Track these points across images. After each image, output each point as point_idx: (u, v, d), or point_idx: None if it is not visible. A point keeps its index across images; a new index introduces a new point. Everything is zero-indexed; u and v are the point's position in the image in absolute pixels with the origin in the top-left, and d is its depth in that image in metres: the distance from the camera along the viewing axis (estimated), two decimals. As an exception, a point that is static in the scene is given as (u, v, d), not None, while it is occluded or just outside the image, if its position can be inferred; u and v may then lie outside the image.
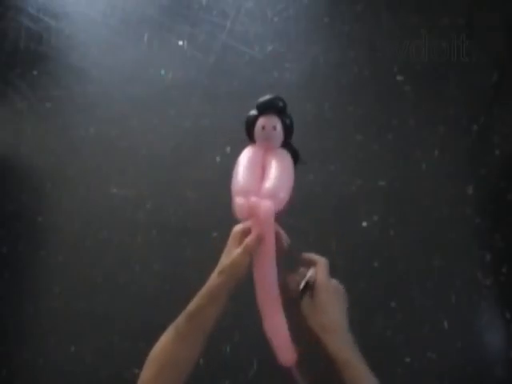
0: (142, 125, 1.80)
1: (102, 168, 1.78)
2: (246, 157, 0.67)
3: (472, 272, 1.54)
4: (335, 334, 0.71)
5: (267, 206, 0.62)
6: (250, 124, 0.67)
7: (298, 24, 1.86)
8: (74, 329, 1.61)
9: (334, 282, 0.77)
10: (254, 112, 0.68)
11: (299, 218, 1.61)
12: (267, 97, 0.67)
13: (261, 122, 0.66)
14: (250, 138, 0.69)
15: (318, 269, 0.76)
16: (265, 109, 0.66)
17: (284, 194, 0.65)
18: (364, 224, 1.61)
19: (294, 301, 0.75)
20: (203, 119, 1.77)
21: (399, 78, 1.74)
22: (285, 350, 0.70)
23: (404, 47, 1.73)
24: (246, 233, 0.72)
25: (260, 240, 0.69)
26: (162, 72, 1.85)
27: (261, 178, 0.66)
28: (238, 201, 0.63)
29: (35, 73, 1.91)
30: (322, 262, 0.77)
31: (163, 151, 1.76)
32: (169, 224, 1.68)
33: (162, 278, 1.62)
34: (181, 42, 1.88)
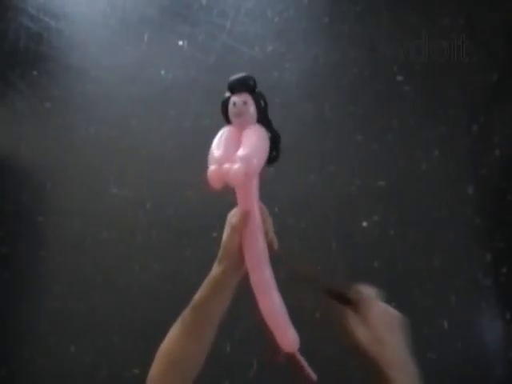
0: (142, 125, 1.80)
1: (101, 168, 1.78)
2: (220, 133, 0.68)
3: (472, 272, 1.54)
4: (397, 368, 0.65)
5: (237, 169, 0.60)
6: (224, 105, 0.69)
7: (298, 24, 1.86)
8: (74, 329, 1.61)
9: (392, 311, 0.73)
10: (227, 94, 0.69)
11: (299, 218, 1.61)
12: (237, 76, 0.68)
13: (232, 99, 0.68)
14: (227, 120, 0.70)
15: (369, 301, 0.72)
16: (235, 87, 0.68)
17: (257, 161, 0.64)
18: (364, 224, 1.61)
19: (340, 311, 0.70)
20: (203, 119, 1.77)
21: (399, 78, 1.74)
22: (285, 333, 0.67)
23: (404, 47, 1.73)
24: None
25: (245, 217, 0.68)
26: (162, 72, 1.85)
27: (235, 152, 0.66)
28: (210, 168, 0.62)
29: (35, 73, 1.91)
30: (371, 293, 0.74)
31: (163, 151, 1.76)
32: (169, 224, 1.68)
33: (162, 278, 1.62)
34: (181, 42, 1.88)
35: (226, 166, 0.61)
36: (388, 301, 1.64)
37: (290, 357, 0.66)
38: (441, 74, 1.73)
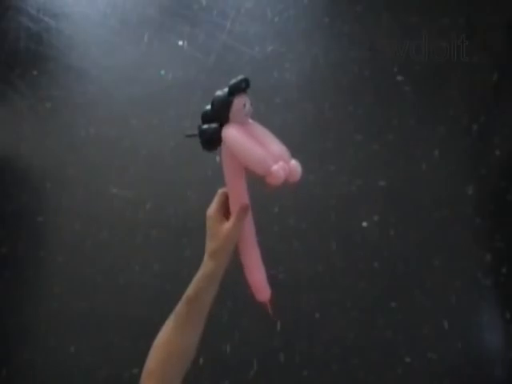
0: (142, 125, 1.80)
1: (101, 168, 1.78)
2: (239, 132, 0.71)
3: (472, 272, 1.54)
4: None
5: (296, 165, 0.66)
6: (226, 106, 0.72)
7: (297, 24, 1.86)
8: (74, 329, 1.61)
9: None
10: (224, 95, 0.72)
11: (299, 218, 1.61)
12: (239, 79, 0.71)
13: (240, 101, 0.71)
14: (221, 119, 0.73)
15: None
16: (237, 89, 0.71)
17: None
18: (364, 224, 1.61)
19: None
20: (203, 119, 1.77)
21: (399, 78, 1.74)
22: (261, 288, 0.79)
23: (404, 47, 1.73)
24: (220, 210, 0.74)
25: (247, 210, 0.72)
26: (162, 72, 1.85)
27: None
28: (276, 168, 0.66)
29: (35, 73, 1.91)
30: None
31: (163, 151, 1.76)
32: (169, 224, 1.68)
33: (162, 278, 1.62)
34: (181, 42, 1.88)
35: (282, 163, 0.66)
36: (388, 301, 1.64)
37: (263, 304, 0.78)
38: (441, 74, 1.73)
